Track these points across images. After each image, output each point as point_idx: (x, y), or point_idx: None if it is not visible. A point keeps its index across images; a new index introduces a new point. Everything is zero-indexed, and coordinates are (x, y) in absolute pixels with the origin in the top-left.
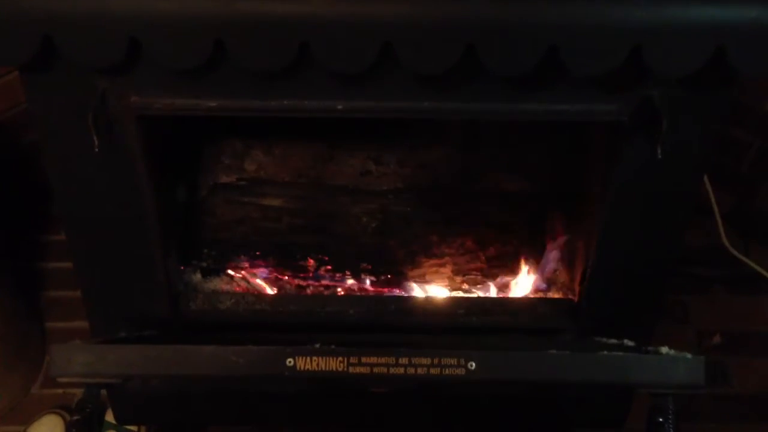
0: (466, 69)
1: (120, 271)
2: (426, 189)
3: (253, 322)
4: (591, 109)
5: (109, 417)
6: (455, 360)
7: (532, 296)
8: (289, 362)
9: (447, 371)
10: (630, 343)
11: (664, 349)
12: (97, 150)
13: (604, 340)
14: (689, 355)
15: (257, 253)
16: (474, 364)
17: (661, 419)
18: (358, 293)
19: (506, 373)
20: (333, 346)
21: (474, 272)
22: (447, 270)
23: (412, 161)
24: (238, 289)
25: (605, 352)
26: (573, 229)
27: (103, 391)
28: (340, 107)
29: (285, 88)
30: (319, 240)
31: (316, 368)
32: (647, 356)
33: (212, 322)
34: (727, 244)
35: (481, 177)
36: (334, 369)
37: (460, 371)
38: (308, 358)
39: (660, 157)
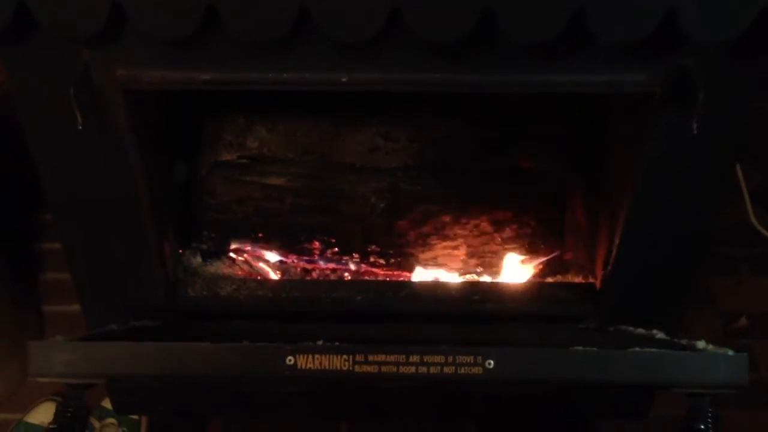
0: (482, 37)
1: (112, 256)
2: (438, 166)
3: (255, 309)
4: (618, 79)
5: (108, 404)
6: (472, 358)
7: (551, 280)
8: (289, 360)
9: (463, 370)
10: (660, 335)
11: (701, 344)
12: (80, 128)
13: (631, 329)
14: (731, 352)
15: (260, 235)
16: (492, 363)
17: (701, 426)
18: (366, 277)
19: (528, 373)
20: (337, 343)
21: (489, 255)
22: (460, 253)
23: (423, 137)
24: (240, 272)
25: (638, 349)
26: (595, 209)
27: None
28: (344, 80)
29: (284, 59)
30: (324, 221)
31: (319, 367)
32: (685, 354)
33: (211, 310)
34: (754, 222)
35: (496, 153)
36: (339, 368)
37: (477, 370)
38: (310, 356)
39: (695, 132)
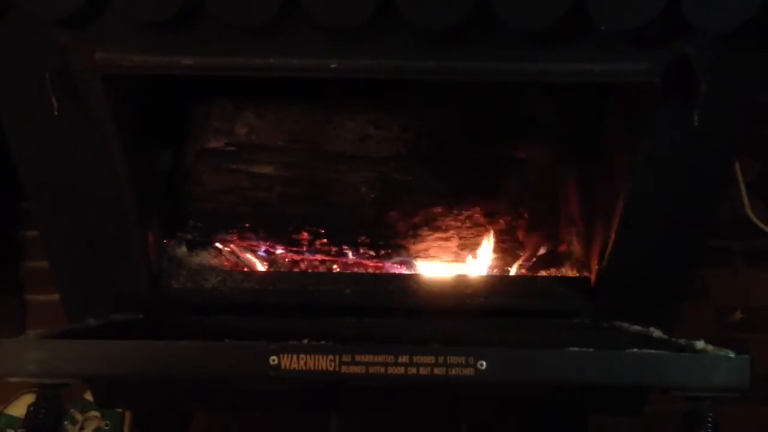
0: (477, 22)
1: (91, 246)
2: (430, 156)
3: (241, 302)
4: (618, 68)
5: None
6: (463, 359)
7: (544, 274)
8: (273, 360)
9: (454, 371)
10: (658, 333)
11: (700, 344)
12: (56, 114)
13: (627, 326)
14: (731, 354)
15: (247, 225)
16: (485, 364)
17: (701, 431)
18: (356, 269)
19: (522, 375)
20: (323, 342)
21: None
22: (452, 244)
23: (416, 125)
24: (226, 263)
25: (635, 350)
26: (590, 200)
27: None
28: (333, 66)
29: (271, 44)
30: (314, 211)
31: (304, 368)
32: (684, 356)
33: (196, 303)
34: (750, 213)
35: (490, 143)
36: (324, 369)
37: (469, 371)
38: (294, 356)
39: (696, 124)
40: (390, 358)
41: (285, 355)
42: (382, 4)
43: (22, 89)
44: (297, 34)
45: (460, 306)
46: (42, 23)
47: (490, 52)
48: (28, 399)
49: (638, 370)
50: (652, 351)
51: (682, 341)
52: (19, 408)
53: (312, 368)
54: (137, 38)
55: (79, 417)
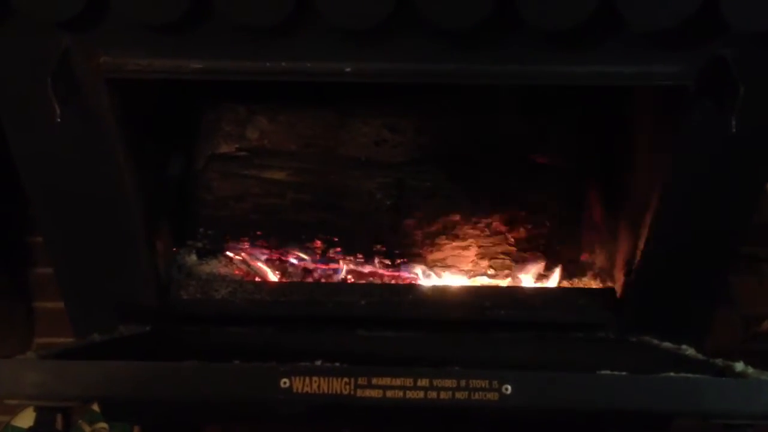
0: (500, 23)
1: (97, 255)
2: (447, 160)
3: (252, 314)
4: (649, 71)
5: None
6: (487, 382)
7: (567, 285)
8: (284, 383)
9: (477, 396)
10: (691, 351)
11: (739, 366)
12: (59, 120)
13: (656, 342)
14: None
15: (258, 233)
16: (510, 388)
17: None
18: (370, 279)
19: (551, 400)
20: (337, 364)
21: (501, 257)
22: (471, 254)
23: (432, 129)
24: (237, 272)
25: (672, 374)
26: (615, 208)
27: None
28: (348, 70)
29: (283, 46)
30: (327, 218)
31: (317, 391)
32: (724, 381)
33: (206, 314)
34: None
35: (510, 147)
36: (339, 392)
37: (493, 396)
38: (307, 379)
39: (734, 130)
40: (409, 382)
41: (297, 378)
42: (399, 4)
43: (24, 94)
44: (310, 36)
45: (479, 319)
46: (43, 26)
47: (513, 54)
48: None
49: (675, 396)
50: (689, 375)
51: (720, 362)
52: (25, 420)
53: (325, 392)
54: (142, 41)
55: (87, 428)
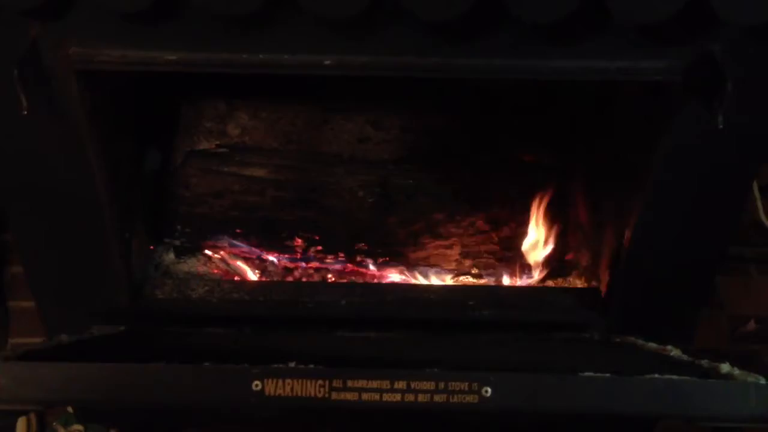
0: (485, 15)
1: (69, 254)
2: (432, 158)
3: (229, 314)
4: (636, 66)
5: None
6: (466, 384)
7: (551, 284)
8: (256, 386)
9: (455, 398)
10: (676, 352)
11: (725, 367)
12: (26, 112)
13: (641, 342)
14: (763, 380)
15: (238, 230)
16: (490, 390)
17: None
18: (352, 278)
19: (532, 403)
20: (311, 366)
21: (485, 256)
22: (454, 252)
23: (417, 126)
24: (216, 271)
25: (657, 376)
26: (600, 206)
27: None
28: (327, 63)
29: (260, 38)
30: (308, 216)
31: (290, 394)
32: (711, 383)
33: (181, 314)
34: (764, 219)
35: (494, 145)
36: (313, 395)
37: (473, 398)
38: (280, 381)
39: (722, 126)
40: (386, 384)
41: (269, 380)
42: None
43: None
44: (288, 27)
45: (462, 318)
46: (10, 14)
47: (498, 48)
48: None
49: (660, 399)
50: (675, 377)
51: (705, 363)
52: None
53: (299, 394)
54: (115, 31)
55: (61, 431)
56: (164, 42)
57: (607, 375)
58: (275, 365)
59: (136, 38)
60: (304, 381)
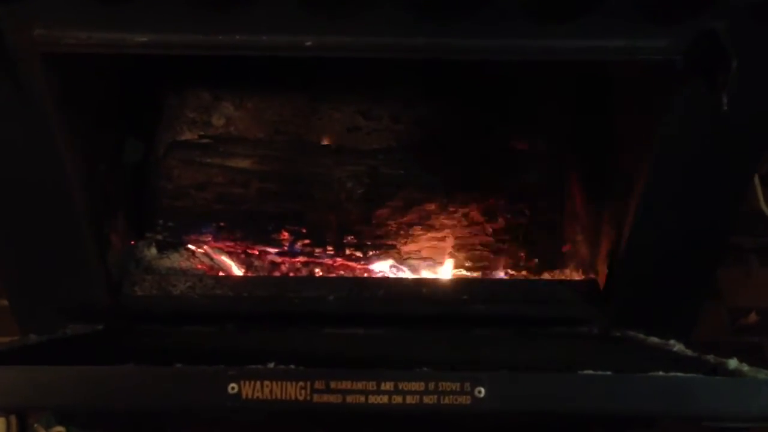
0: None
1: (43, 249)
2: (423, 148)
3: (212, 311)
4: (635, 45)
5: None
6: (458, 385)
7: (548, 277)
8: (232, 389)
9: (446, 399)
10: (679, 346)
11: (733, 363)
12: None
13: (642, 337)
14: None
15: (222, 224)
16: (483, 391)
17: None
18: (340, 272)
19: (527, 404)
20: (292, 366)
21: (479, 248)
22: (447, 245)
23: (408, 115)
24: (199, 266)
25: (661, 374)
26: (598, 195)
27: None
28: (308, 44)
29: (237, 18)
30: (295, 208)
31: (269, 397)
32: (718, 380)
33: (162, 312)
34: (764, 208)
35: (488, 133)
36: (293, 398)
37: (465, 399)
38: (258, 383)
39: (726, 108)
40: (371, 385)
41: (246, 382)
42: None
43: None
44: (267, 6)
45: (455, 314)
46: None
47: (489, 27)
48: None
49: (666, 398)
50: (680, 375)
51: (711, 358)
52: None
53: (279, 397)
54: (82, 11)
55: None
56: (134, 23)
57: (609, 373)
58: (252, 366)
59: (104, 19)
60: (284, 383)
